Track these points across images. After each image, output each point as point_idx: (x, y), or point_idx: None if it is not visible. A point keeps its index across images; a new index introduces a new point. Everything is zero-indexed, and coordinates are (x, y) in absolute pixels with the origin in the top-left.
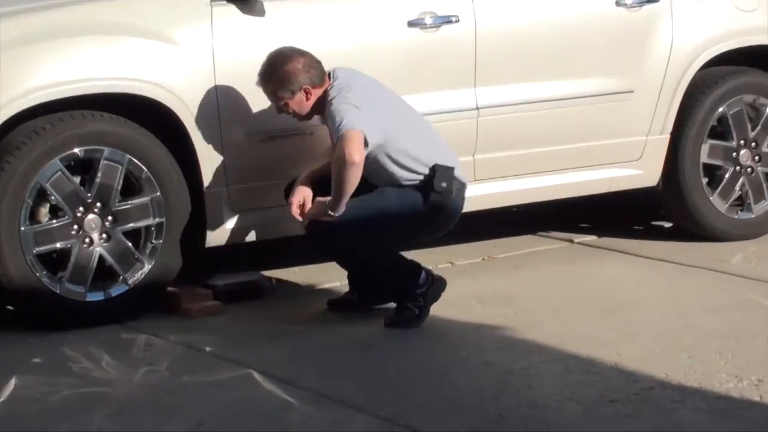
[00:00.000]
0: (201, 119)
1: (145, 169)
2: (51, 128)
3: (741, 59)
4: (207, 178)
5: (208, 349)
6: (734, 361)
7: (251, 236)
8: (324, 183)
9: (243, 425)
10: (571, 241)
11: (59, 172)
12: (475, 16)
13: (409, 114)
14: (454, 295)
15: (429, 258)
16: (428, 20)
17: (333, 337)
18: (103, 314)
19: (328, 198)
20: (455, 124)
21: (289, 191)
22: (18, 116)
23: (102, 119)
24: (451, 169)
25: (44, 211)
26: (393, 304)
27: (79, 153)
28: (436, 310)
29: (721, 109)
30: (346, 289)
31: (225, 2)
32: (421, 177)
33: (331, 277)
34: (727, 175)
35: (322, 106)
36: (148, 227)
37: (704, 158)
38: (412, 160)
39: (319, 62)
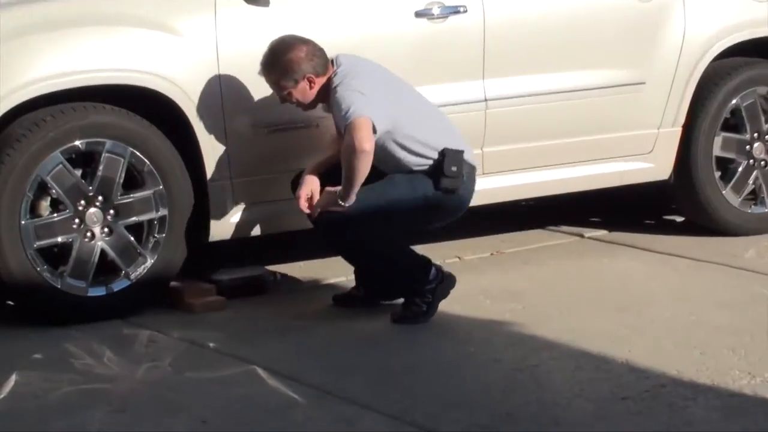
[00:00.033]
0: (204, 111)
1: (148, 162)
2: (52, 120)
3: (754, 50)
4: (210, 170)
5: (211, 344)
6: (747, 358)
7: (256, 230)
8: (331, 174)
9: (247, 422)
10: (581, 235)
11: (60, 165)
12: (484, 6)
13: (415, 98)
14: (462, 291)
15: (436, 253)
16: (436, 10)
17: (339, 333)
18: (105, 309)
19: (338, 188)
20: (463, 117)
21: (295, 184)
22: (18, 108)
23: (104, 111)
24: (461, 152)
25: (45, 204)
26: (400, 300)
27: (80, 145)
28: (444, 305)
29: (734, 101)
30: (352, 284)
31: None
32: (431, 162)
33: (337, 272)
34: (740, 169)
35: (326, 94)
36: (150, 221)
37: (717, 151)
38: (420, 145)
39: (322, 50)
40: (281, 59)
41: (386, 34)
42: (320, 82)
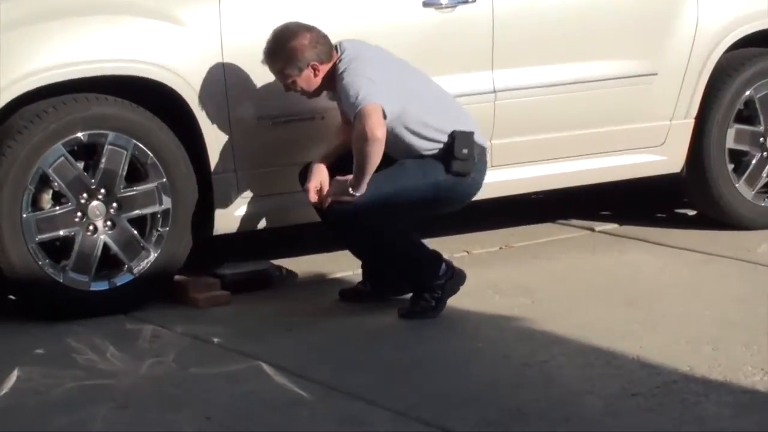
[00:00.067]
0: (208, 102)
1: (151, 155)
2: (53, 112)
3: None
4: (214, 163)
5: (216, 340)
6: (760, 354)
7: (261, 223)
8: (339, 165)
9: (252, 419)
10: (592, 229)
11: (62, 158)
12: None
13: (421, 80)
14: (471, 285)
15: (445, 246)
16: (444, 0)
17: (345, 329)
18: (108, 304)
19: (349, 177)
20: (471, 108)
21: (303, 176)
22: (20, 99)
23: (106, 102)
24: (471, 133)
25: (47, 197)
26: (407, 296)
27: (82, 137)
28: (452, 300)
29: (747, 93)
30: (359, 278)
31: None
32: (441, 145)
33: (343, 266)
34: (753, 161)
35: (331, 81)
36: (154, 214)
37: (730, 143)
38: (429, 129)
39: (326, 37)
40: (285, 47)
41: (393, 23)
42: (325, 69)
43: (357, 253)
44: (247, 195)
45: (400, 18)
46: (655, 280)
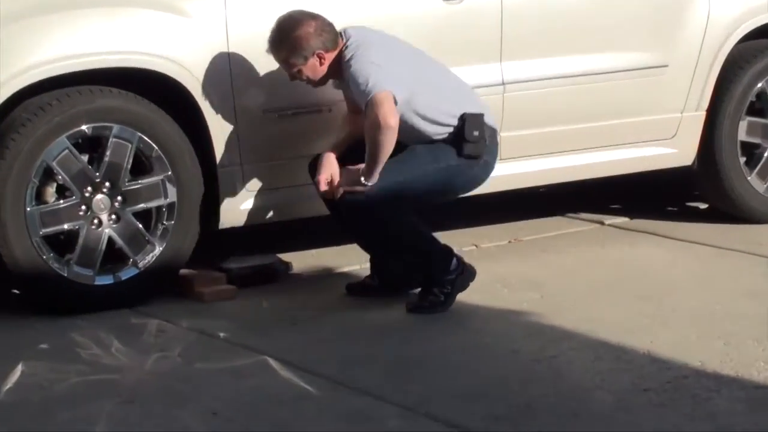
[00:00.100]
0: (214, 95)
1: (156, 147)
2: (57, 104)
3: None
4: (220, 156)
5: (221, 334)
6: None
7: (267, 217)
8: (350, 155)
9: (258, 414)
10: (602, 222)
11: (66, 151)
12: None
13: (428, 63)
14: (479, 280)
15: (453, 240)
16: None
17: (352, 323)
18: (113, 298)
19: (360, 166)
20: None
21: (313, 168)
22: (23, 92)
23: (111, 95)
24: (480, 115)
25: (51, 190)
26: (415, 290)
27: (86, 130)
28: (460, 294)
29: (760, 85)
30: (366, 272)
31: None
32: (451, 129)
33: (351, 260)
34: (765, 154)
35: (337, 69)
36: (159, 208)
37: (742, 136)
38: (439, 113)
39: (331, 24)
40: (290, 36)
41: (401, 15)
42: (330, 57)
43: (366, 246)
44: (253, 188)
45: (409, 9)
46: (666, 274)
